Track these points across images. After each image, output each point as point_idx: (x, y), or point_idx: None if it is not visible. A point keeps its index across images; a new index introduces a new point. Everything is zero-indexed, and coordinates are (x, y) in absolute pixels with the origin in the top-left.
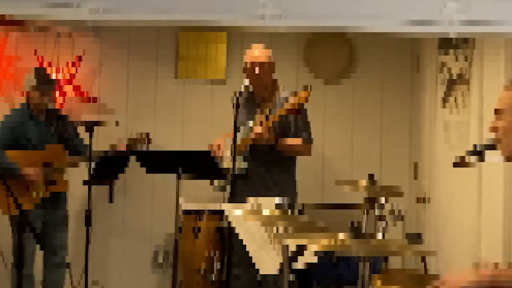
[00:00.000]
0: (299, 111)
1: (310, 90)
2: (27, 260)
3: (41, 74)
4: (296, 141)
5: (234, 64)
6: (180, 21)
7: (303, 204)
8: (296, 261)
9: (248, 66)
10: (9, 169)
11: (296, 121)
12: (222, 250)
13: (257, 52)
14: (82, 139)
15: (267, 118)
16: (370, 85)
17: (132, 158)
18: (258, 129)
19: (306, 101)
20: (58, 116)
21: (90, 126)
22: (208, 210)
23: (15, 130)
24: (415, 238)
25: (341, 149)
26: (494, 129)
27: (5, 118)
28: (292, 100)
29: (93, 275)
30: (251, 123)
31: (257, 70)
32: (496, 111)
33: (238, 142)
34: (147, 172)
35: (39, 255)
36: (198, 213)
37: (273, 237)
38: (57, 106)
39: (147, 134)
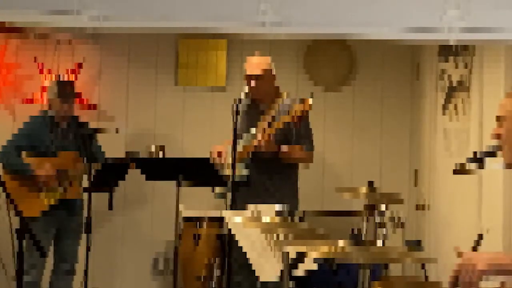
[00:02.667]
0: (304, 118)
1: (312, 97)
2: (36, 267)
3: (63, 82)
4: (298, 149)
5: (234, 71)
6: (180, 28)
7: (303, 211)
8: (296, 268)
9: (248, 74)
10: (23, 170)
11: (299, 128)
12: (222, 257)
13: (257, 61)
14: (100, 146)
15: (269, 125)
16: (370, 92)
17: (132, 165)
18: (259, 137)
19: (310, 108)
20: (78, 123)
21: (90, 133)
22: (208, 217)
23: (34, 137)
24: (415, 245)
25: (341, 156)
26: (496, 136)
27: (24, 125)
28: (298, 107)
29: (93, 282)
30: (254, 130)
31: (253, 84)
32: (498, 118)
33: (240, 149)
34: (147, 179)
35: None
36: (198, 220)
37: (273, 244)
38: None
39: (163, 147)
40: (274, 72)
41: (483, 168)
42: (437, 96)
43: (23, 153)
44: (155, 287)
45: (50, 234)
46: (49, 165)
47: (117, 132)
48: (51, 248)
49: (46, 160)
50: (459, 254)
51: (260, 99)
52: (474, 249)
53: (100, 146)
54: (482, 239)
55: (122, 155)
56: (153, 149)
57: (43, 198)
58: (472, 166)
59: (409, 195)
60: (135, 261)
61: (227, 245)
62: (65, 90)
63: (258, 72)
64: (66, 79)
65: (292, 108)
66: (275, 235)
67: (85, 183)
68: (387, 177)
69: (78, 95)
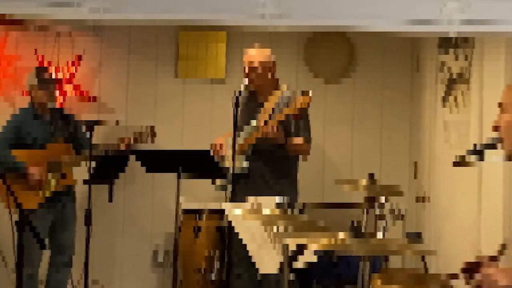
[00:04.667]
0: (303, 110)
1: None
2: (33, 260)
3: (41, 73)
4: (300, 140)
5: (234, 63)
6: (180, 21)
7: (303, 204)
8: (296, 260)
9: (246, 66)
10: (15, 168)
11: (298, 120)
12: (222, 249)
13: (254, 53)
14: (88, 138)
15: (270, 117)
16: (370, 85)
17: (132, 158)
18: (269, 123)
19: (311, 100)
20: (62, 115)
21: (90, 126)
22: (208, 209)
23: (21, 129)
24: (415, 237)
25: (341, 148)
26: (496, 128)
27: (12, 118)
28: (300, 99)
29: (93, 275)
30: (254, 122)
31: (250, 76)
32: (499, 110)
33: (241, 141)
34: (147, 171)
35: (45, 253)
36: (198, 212)
37: (273, 237)
38: (57, 105)
39: (152, 128)
40: (273, 64)
41: (483, 160)
42: (437, 88)
43: (11, 148)
44: (155, 279)
45: (46, 227)
46: (41, 162)
47: (117, 124)
48: (47, 240)
49: (37, 152)
50: (480, 264)
51: (258, 91)
52: (495, 258)
53: (88, 138)
54: (505, 248)
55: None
56: (143, 129)
57: (39, 192)
58: (472, 158)
59: (409, 187)
60: (135, 253)
61: (227, 238)
62: (43, 76)
63: (255, 64)
64: (68, 71)
65: (293, 100)
66: (275, 227)
67: (86, 175)
68: (387, 169)
69: (58, 81)
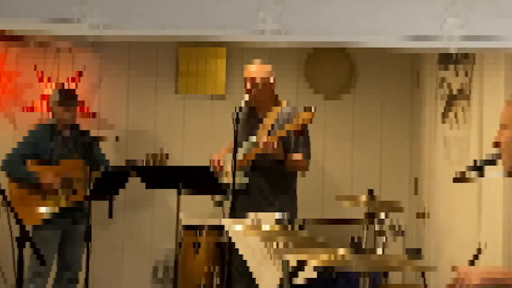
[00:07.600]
0: (305, 126)
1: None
2: (40, 275)
3: (64, 90)
4: (299, 156)
5: (234, 79)
6: (180, 37)
7: (303, 220)
8: (296, 276)
9: (246, 82)
10: (28, 178)
11: (297, 136)
12: (222, 265)
13: (254, 68)
14: (104, 154)
15: (270, 133)
16: (370, 101)
17: (132, 174)
18: (265, 139)
19: (313, 116)
20: (81, 131)
21: (90, 142)
22: (208, 225)
23: (38, 145)
24: (415, 253)
25: (341, 164)
26: (496, 144)
27: (29, 133)
28: (303, 115)
29: None
30: (254, 138)
31: (248, 85)
32: (499, 126)
33: (240, 157)
34: (147, 187)
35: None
36: (198, 228)
37: (273, 253)
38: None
39: (167, 155)
40: (273, 80)
41: (483, 176)
42: (437, 104)
43: (28, 162)
44: None
45: (55, 242)
46: (53, 172)
47: (117, 140)
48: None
49: (51, 168)
50: (453, 269)
51: (258, 107)
52: (472, 263)
53: (104, 154)
54: (480, 253)
55: (123, 163)
56: (157, 151)
57: (47, 206)
58: (472, 174)
59: (409, 203)
60: (135, 269)
61: (227, 253)
62: (67, 98)
63: (255, 80)
64: (68, 87)
65: (294, 116)
66: (275, 243)
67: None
68: (387, 185)
69: (80, 103)
